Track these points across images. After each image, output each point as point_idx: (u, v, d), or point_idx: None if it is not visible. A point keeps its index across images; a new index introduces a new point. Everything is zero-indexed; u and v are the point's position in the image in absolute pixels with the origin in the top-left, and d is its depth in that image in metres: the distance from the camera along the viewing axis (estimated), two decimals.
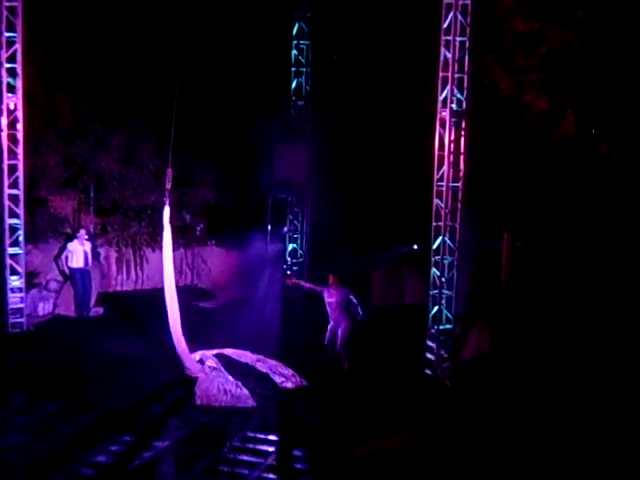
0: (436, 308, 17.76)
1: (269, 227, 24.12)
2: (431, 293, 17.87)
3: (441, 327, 17.76)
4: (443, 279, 17.66)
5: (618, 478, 13.28)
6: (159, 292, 22.76)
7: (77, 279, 21.24)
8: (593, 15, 17.92)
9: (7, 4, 18.13)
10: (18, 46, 18.40)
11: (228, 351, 18.31)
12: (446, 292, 17.72)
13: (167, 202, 16.67)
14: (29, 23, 18.57)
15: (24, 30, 18.39)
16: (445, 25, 17.17)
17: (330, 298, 17.70)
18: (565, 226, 19.27)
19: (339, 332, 17.65)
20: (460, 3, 17.02)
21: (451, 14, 17.07)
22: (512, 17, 18.29)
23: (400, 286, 23.40)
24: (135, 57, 22.61)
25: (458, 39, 17.15)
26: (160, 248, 23.28)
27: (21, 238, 19.16)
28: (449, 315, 17.78)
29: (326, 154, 22.11)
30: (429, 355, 17.84)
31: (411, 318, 19.90)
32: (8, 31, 18.27)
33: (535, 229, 19.80)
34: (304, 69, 23.23)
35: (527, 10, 18.02)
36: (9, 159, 18.72)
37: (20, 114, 18.69)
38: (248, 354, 18.32)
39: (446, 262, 17.63)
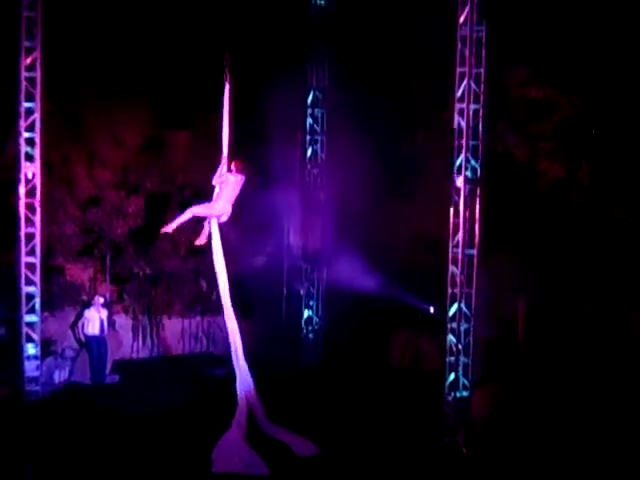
0: (452, 375, 17.66)
1: (285, 292, 24.20)
2: (447, 360, 17.78)
3: (457, 394, 17.66)
4: (459, 346, 17.59)
5: None
6: (174, 359, 22.99)
7: (93, 346, 21.21)
8: (605, 83, 18.10)
9: (26, 75, 18.38)
10: (37, 115, 18.59)
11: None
12: (462, 359, 17.63)
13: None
14: (47, 93, 18.80)
15: (43, 100, 18.62)
16: (459, 93, 17.33)
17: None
18: (580, 290, 19.25)
19: None
20: (474, 72, 17.20)
21: (464, 82, 17.23)
22: (525, 85, 18.48)
23: (416, 349, 23.19)
24: (151, 124, 22.81)
25: (472, 107, 17.29)
26: (175, 315, 23.56)
27: (37, 306, 19.15)
28: (466, 382, 17.68)
29: (342, 221, 22.23)
30: (446, 422, 17.71)
31: (427, 382, 19.71)
32: (27, 101, 18.52)
33: (551, 294, 19.78)
34: (319, 137, 23.37)
35: (539, 79, 18.21)
36: (26, 227, 18.80)
37: (38, 182, 18.82)
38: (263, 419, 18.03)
39: (462, 329, 17.57)
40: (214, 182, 16.46)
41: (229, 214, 16.57)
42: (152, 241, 22.68)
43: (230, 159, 16.34)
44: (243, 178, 16.50)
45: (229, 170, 16.37)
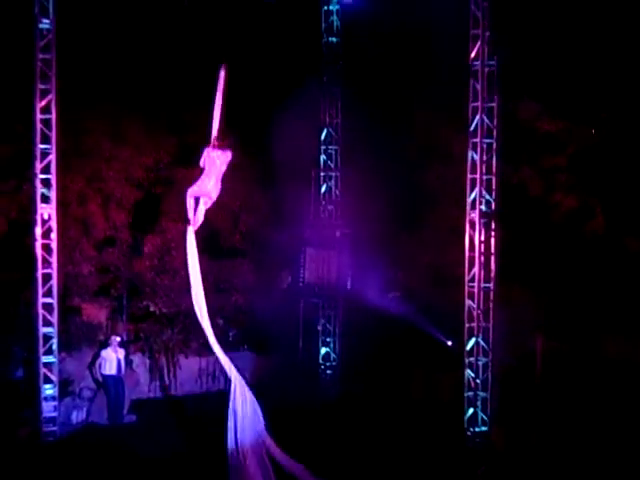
0: (471, 410, 17.56)
1: (301, 328, 24.16)
2: (466, 395, 17.69)
3: (477, 429, 17.55)
4: (478, 381, 17.50)
5: None
6: (192, 398, 22.90)
7: (110, 386, 21.17)
8: (617, 112, 18.13)
9: (41, 117, 18.52)
10: (52, 157, 18.69)
11: (275, 450, 16.97)
12: (481, 394, 17.54)
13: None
14: (62, 134, 18.94)
15: (58, 142, 18.73)
16: (472, 128, 17.38)
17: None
18: (597, 321, 19.17)
19: None
20: (486, 106, 17.25)
21: (477, 117, 17.28)
22: (538, 119, 18.50)
23: (435, 382, 23.02)
24: (167, 164, 22.88)
25: (485, 141, 17.32)
26: (192, 354, 23.50)
27: (55, 346, 19.16)
28: (485, 417, 17.57)
29: (357, 256, 22.25)
30: (466, 457, 17.60)
31: (448, 415, 19.56)
32: (42, 143, 18.63)
33: (568, 326, 19.70)
34: (333, 173, 23.43)
35: (551, 112, 18.24)
36: (43, 268, 18.86)
37: (54, 224, 18.90)
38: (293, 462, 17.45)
39: (480, 363, 17.49)
40: (202, 164, 15.94)
41: (219, 191, 16.07)
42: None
43: (219, 139, 15.97)
44: (230, 154, 16.01)
45: (215, 146, 15.86)
